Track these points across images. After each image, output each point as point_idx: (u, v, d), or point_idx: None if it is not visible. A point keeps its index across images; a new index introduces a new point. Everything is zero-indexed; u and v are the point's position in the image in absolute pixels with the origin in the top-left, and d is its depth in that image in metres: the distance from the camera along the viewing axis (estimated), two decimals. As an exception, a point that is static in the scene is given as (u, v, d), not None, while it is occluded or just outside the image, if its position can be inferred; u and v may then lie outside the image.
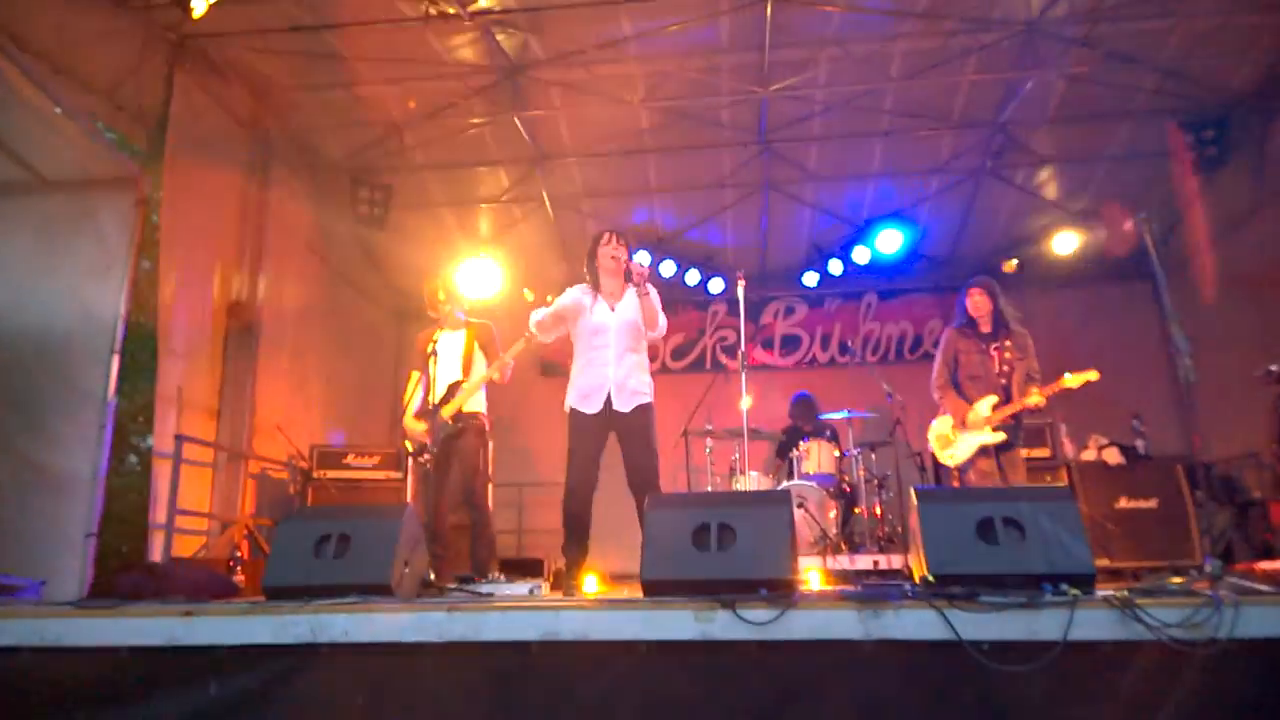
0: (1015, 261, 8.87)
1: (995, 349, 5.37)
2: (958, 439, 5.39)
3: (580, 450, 4.60)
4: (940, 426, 5.57)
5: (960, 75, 7.23)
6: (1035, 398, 5.18)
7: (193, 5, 5.03)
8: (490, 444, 7.88)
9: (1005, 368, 5.30)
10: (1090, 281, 9.22)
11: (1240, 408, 6.70)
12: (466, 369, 5.29)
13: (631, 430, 4.58)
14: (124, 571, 4.57)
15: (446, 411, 5.18)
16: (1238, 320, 7.13)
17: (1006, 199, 8.83)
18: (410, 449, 5.32)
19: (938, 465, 7.47)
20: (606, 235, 4.72)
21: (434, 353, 5.19)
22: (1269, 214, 7.31)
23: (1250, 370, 6.28)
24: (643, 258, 4.77)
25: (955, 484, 5.45)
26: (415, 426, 5.23)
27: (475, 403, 5.29)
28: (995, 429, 5.29)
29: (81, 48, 5.60)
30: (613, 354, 4.57)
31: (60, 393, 5.29)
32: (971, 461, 5.35)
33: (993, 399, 5.30)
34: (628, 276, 4.61)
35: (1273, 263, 7.13)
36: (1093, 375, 5.19)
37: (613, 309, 4.67)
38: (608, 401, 4.55)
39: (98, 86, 5.79)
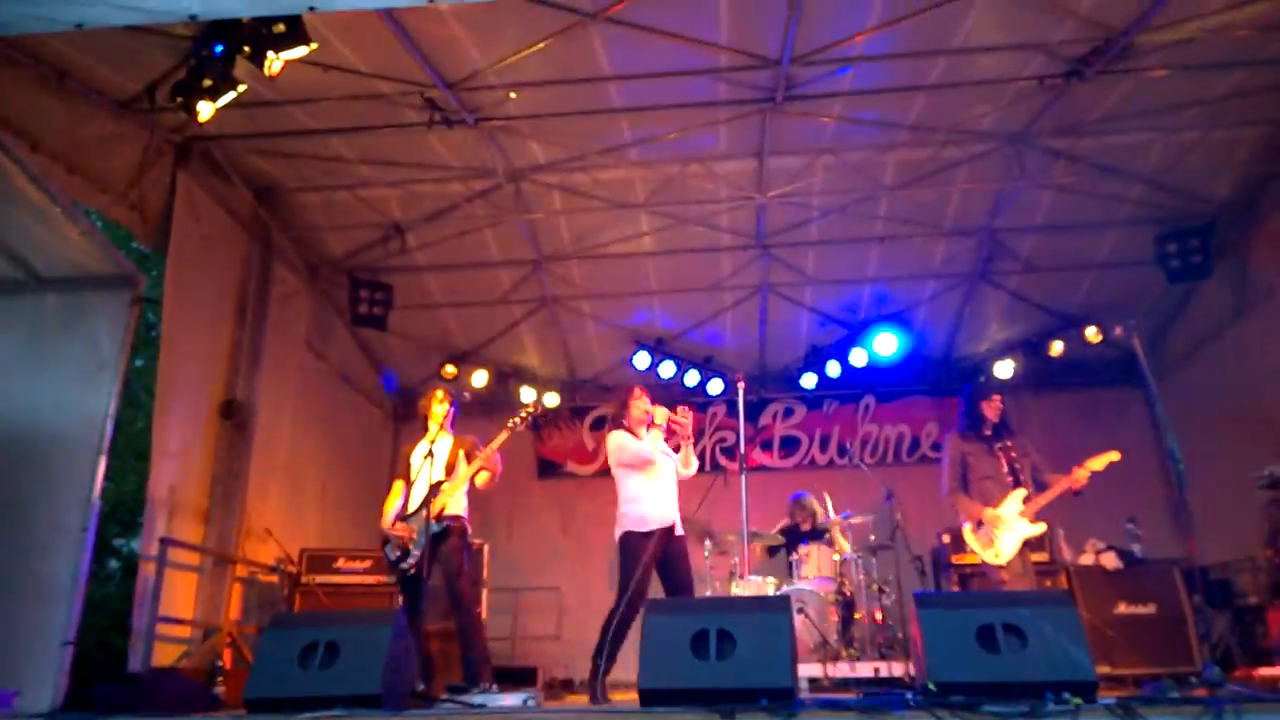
0: (1010, 364, 8.94)
1: (1000, 450, 5.46)
2: (1000, 537, 5.28)
3: (645, 571, 5.03)
4: (969, 530, 5.50)
5: (951, 184, 7.43)
6: (1083, 473, 5.20)
7: (198, 109, 5.16)
8: (485, 548, 7.78)
9: (1015, 465, 5.39)
10: (1082, 386, 9.30)
11: (1233, 512, 6.65)
12: (450, 474, 5.29)
13: (680, 553, 5.21)
14: (100, 682, 4.42)
15: (433, 509, 5.13)
16: (1228, 425, 7.16)
17: (999, 304, 8.96)
18: (390, 555, 5.28)
19: (937, 569, 7.36)
20: (637, 391, 5.55)
21: (413, 462, 5.39)
22: (1252, 320, 7.42)
23: (1241, 474, 6.27)
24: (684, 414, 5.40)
25: (1003, 583, 5.33)
26: (396, 530, 5.26)
27: (456, 506, 5.31)
28: (1034, 520, 5.29)
29: (90, 150, 5.74)
30: (670, 486, 5.36)
31: (44, 494, 5.18)
32: (1016, 558, 5.30)
33: (1021, 492, 5.31)
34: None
35: (1258, 368, 7.19)
36: (1114, 456, 5.18)
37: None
38: (670, 527, 5.17)
39: (106, 187, 5.91)
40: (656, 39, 5.68)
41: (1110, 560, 6.88)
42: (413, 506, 5.32)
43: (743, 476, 5.93)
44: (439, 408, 5.50)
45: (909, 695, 3.03)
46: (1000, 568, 5.25)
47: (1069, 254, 8.34)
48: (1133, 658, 6.32)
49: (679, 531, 5.23)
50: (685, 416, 5.35)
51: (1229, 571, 7.02)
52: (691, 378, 9.51)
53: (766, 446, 10.12)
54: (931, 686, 3.00)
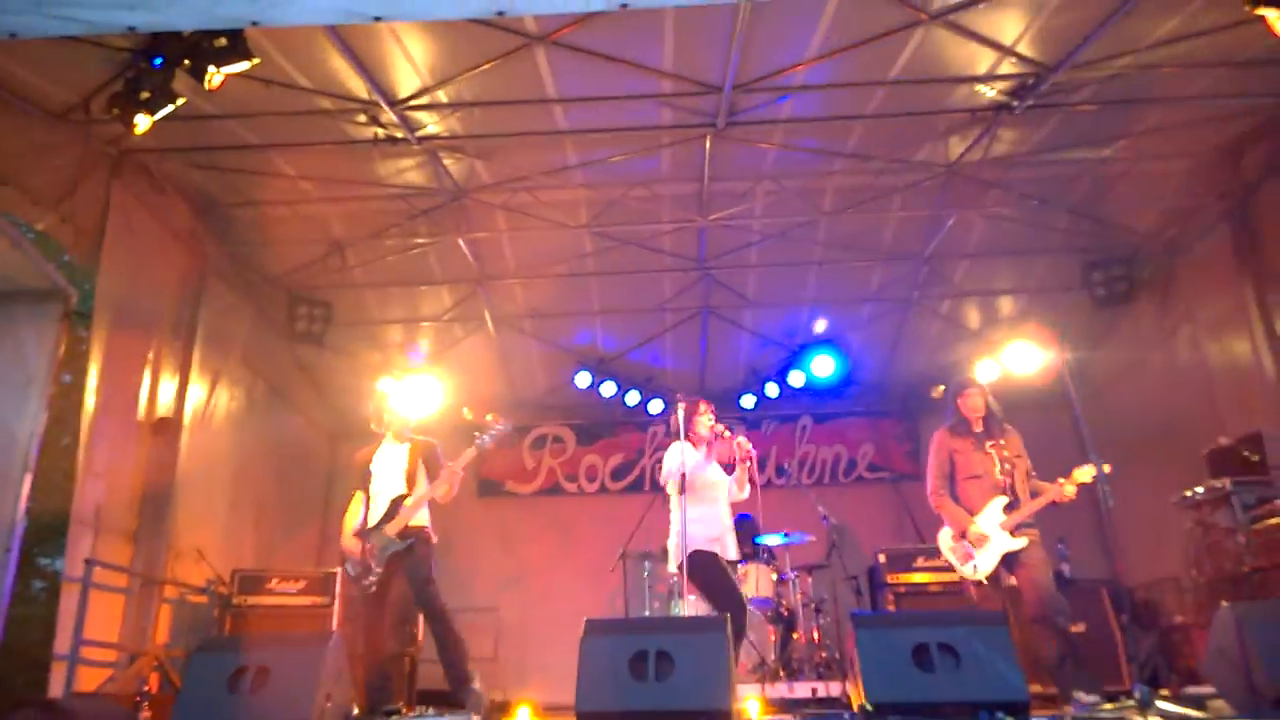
0: (942, 388, 9.15)
1: (993, 446, 5.10)
2: (979, 553, 4.92)
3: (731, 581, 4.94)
4: (946, 539, 5.15)
5: (887, 211, 7.64)
6: (1071, 487, 4.84)
7: (135, 122, 5.04)
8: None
9: (1007, 465, 5.01)
10: (1012, 410, 9.52)
11: (1159, 533, 6.89)
12: (410, 484, 5.12)
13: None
14: (17, 709, 4.25)
15: (391, 529, 4.99)
16: (1151, 447, 7.40)
17: (933, 328, 9.22)
18: (351, 572, 5.08)
19: (874, 588, 7.48)
20: (703, 405, 5.31)
21: (371, 471, 5.17)
22: (1173, 346, 7.75)
23: (1166, 496, 6.50)
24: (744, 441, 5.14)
25: (980, 598, 5.01)
26: (355, 545, 5.05)
27: (420, 517, 5.12)
28: (1016, 533, 4.86)
29: (23, 161, 5.58)
30: (724, 505, 5.17)
31: (-35, 514, 5.00)
32: (997, 573, 4.92)
33: (1002, 500, 4.94)
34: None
35: (1179, 392, 7.50)
36: (1105, 467, 4.86)
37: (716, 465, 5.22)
38: (724, 546, 5.02)
39: (39, 198, 5.73)
40: (602, 63, 5.75)
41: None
42: (373, 520, 5.08)
43: (683, 496, 5.96)
44: (393, 411, 5.35)
45: (846, 716, 3.07)
46: (975, 584, 4.95)
47: (1001, 279, 8.64)
48: (1063, 677, 6.46)
49: (730, 557, 5.04)
50: (745, 442, 5.11)
51: (1155, 592, 7.23)
52: (632, 397, 9.57)
53: (707, 466, 10.18)
54: (868, 707, 3.04)
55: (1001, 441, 5.10)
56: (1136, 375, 8.29)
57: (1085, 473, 4.86)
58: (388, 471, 5.18)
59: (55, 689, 5.43)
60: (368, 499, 5.16)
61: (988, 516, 4.92)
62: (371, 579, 4.98)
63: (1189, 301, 7.57)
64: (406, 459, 5.21)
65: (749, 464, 5.09)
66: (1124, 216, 7.69)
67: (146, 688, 5.85)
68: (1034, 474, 5.08)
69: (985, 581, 4.90)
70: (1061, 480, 4.88)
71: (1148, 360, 8.14)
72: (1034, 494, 4.94)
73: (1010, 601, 4.94)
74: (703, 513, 5.00)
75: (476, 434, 5.18)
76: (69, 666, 5.53)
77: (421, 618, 5.08)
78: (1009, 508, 4.91)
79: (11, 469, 5.04)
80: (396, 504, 5.05)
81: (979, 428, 5.17)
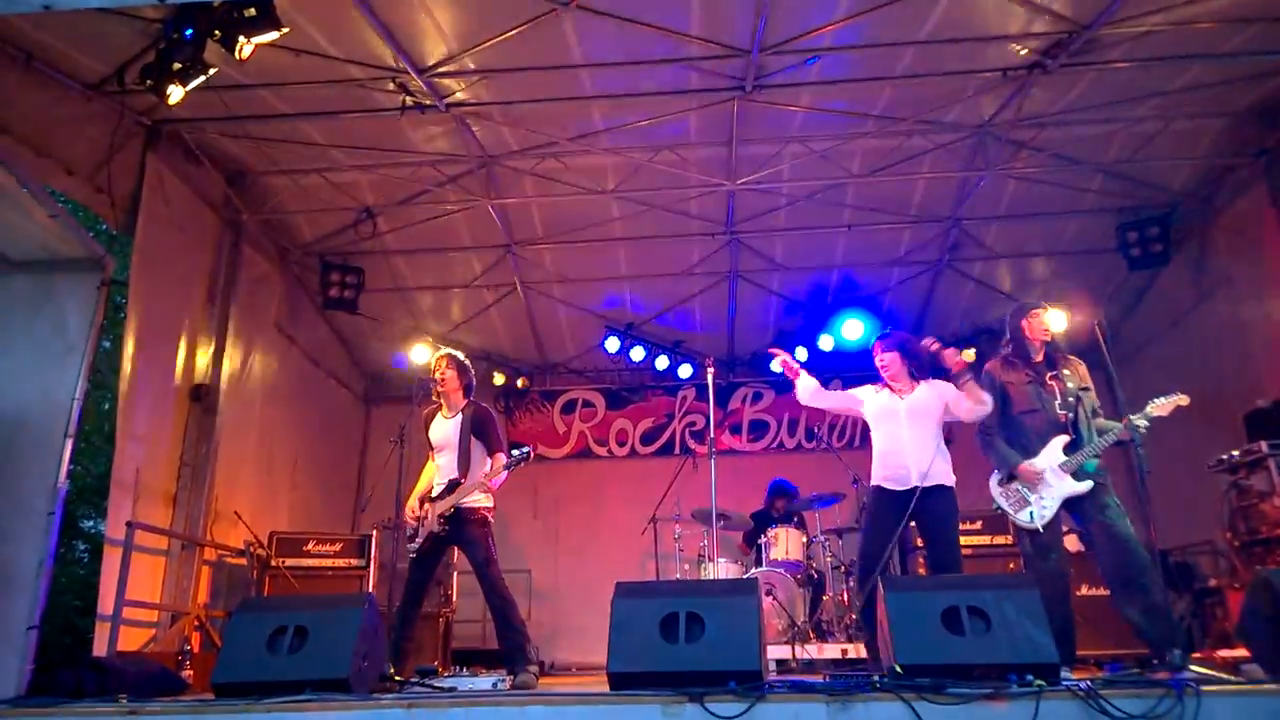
0: (973, 351, 9.08)
1: (1053, 379, 4.55)
2: (1034, 496, 4.42)
3: (875, 530, 4.69)
4: (995, 483, 4.65)
5: (917, 173, 7.53)
6: (1143, 420, 4.33)
7: (168, 92, 5.09)
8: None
9: (1070, 399, 4.46)
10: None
11: (1193, 496, 6.82)
12: (464, 462, 5.06)
13: (935, 514, 4.65)
14: (66, 667, 4.40)
15: (440, 507, 4.99)
16: (1187, 411, 7.27)
17: (963, 290, 9.11)
18: (407, 534, 5.08)
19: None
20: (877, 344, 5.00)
21: (430, 440, 5.20)
22: (1209, 307, 7.62)
23: (1201, 459, 6.43)
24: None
25: (1036, 549, 4.48)
26: (411, 508, 5.06)
27: (477, 498, 5.04)
28: (1079, 476, 4.39)
29: (59, 132, 5.66)
30: (913, 438, 4.68)
31: (10, 478, 5.13)
32: (1057, 519, 4.41)
33: (1062, 438, 4.44)
34: (929, 370, 4.84)
35: (1214, 354, 7.39)
36: (1182, 399, 4.43)
37: (902, 397, 4.84)
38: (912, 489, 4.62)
39: (75, 169, 5.83)
40: (629, 27, 5.69)
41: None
42: (436, 490, 5.10)
43: (712, 460, 6.00)
44: (442, 373, 5.23)
45: (876, 677, 3.11)
46: (1031, 533, 4.40)
47: (1032, 241, 8.50)
48: (1095, 640, 6.43)
49: (925, 484, 4.57)
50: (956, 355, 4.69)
51: (1189, 555, 7.18)
52: (661, 362, 9.59)
53: (735, 430, 10.23)
54: (898, 669, 3.07)
55: (1065, 373, 4.54)
56: (1172, 337, 8.17)
57: (1164, 405, 4.38)
58: (443, 445, 5.13)
59: (99, 648, 5.61)
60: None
61: (1045, 457, 4.41)
62: (417, 543, 5.00)
63: (1226, 261, 7.42)
64: (460, 433, 5.09)
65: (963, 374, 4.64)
66: (1159, 176, 7.54)
67: (189, 646, 6.01)
68: (1100, 411, 4.56)
69: (1043, 530, 4.37)
70: (1131, 416, 4.35)
71: (1183, 322, 8.02)
72: (1101, 432, 4.43)
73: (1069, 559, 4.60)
74: (884, 443, 4.85)
75: (514, 452, 5.06)
76: (113, 627, 5.69)
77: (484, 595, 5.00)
78: (1071, 447, 4.40)
79: (54, 434, 5.17)
80: (452, 486, 5.02)
81: (1039, 358, 4.61)
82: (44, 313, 5.48)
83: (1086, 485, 4.34)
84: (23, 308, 5.52)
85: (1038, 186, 7.66)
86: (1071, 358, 4.67)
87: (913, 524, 4.77)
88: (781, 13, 5.61)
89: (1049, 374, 4.54)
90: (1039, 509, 4.38)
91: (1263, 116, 6.72)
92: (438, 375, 5.23)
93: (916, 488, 4.57)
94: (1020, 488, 4.46)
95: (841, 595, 6.90)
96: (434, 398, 5.30)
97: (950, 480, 4.68)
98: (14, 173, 5.07)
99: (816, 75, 6.35)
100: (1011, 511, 4.49)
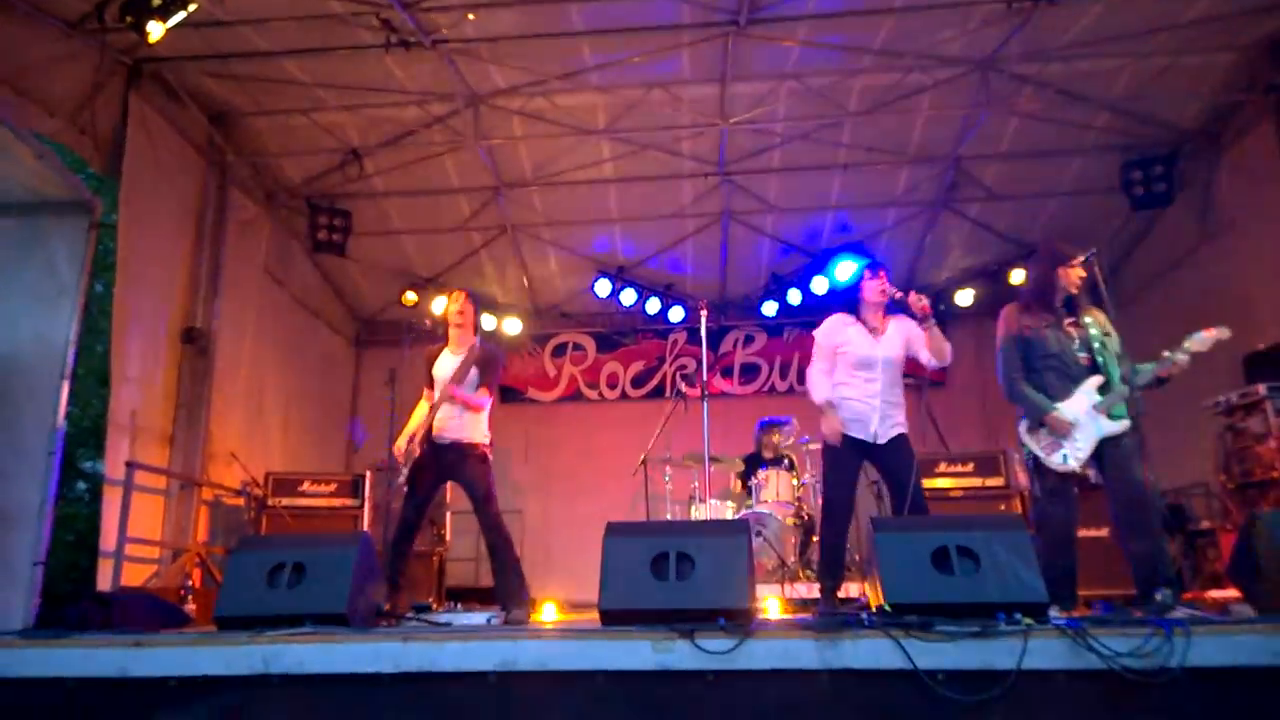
0: (971, 292, 9.07)
1: (1072, 324, 4.42)
2: (1074, 435, 4.27)
3: (838, 481, 4.73)
4: (1024, 429, 4.46)
5: (916, 111, 7.41)
6: (1178, 355, 4.22)
7: (149, 30, 4.97)
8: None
9: (1095, 344, 4.34)
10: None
11: (1188, 438, 6.86)
12: (458, 385, 4.91)
13: (896, 463, 4.66)
14: (72, 601, 4.48)
15: (432, 425, 4.86)
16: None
17: (961, 232, 9.03)
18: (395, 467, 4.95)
19: (896, 497, 7.55)
20: (868, 272, 4.83)
21: (434, 376, 5.00)
22: (1212, 248, 7.55)
23: (1196, 401, 6.46)
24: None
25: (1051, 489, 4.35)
26: (400, 447, 4.91)
27: (475, 433, 4.93)
28: (1110, 414, 4.25)
29: (39, 72, 5.55)
30: (879, 386, 4.69)
31: (7, 419, 5.17)
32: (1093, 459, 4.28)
33: (1095, 379, 4.30)
34: (897, 309, 4.77)
35: (1215, 297, 7.35)
36: (1225, 332, 4.29)
37: (877, 341, 4.76)
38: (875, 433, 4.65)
39: (57, 110, 5.73)
40: (620, -41, 5.55)
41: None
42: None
43: (704, 402, 6.02)
44: (456, 308, 5.09)
45: (864, 615, 3.15)
46: (1071, 474, 4.29)
47: (1033, 181, 8.38)
48: (1085, 579, 6.51)
49: (885, 438, 4.63)
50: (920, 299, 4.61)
51: (1182, 496, 7.24)
52: (653, 305, 9.55)
53: (727, 373, 10.24)
54: (887, 607, 3.11)
55: (1086, 320, 4.42)
56: (1173, 279, 8.10)
57: (1202, 340, 4.25)
58: (441, 379, 4.97)
59: (103, 583, 5.70)
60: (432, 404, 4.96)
61: (1077, 400, 4.29)
62: (398, 480, 4.88)
63: (1231, 202, 7.33)
64: (464, 368, 4.94)
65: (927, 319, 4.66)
66: (1165, 112, 7.39)
67: (190, 582, 6.11)
68: (1127, 355, 4.40)
69: (1081, 471, 4.27)
70: (1167, 353, 4.24)
71: (1185, 262, 7.94)
72: (1135, 372, 4.29)
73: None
74: (851, 390, 4.77)
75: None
76: (116, 563, 5.80)
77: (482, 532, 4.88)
78: (1104, 388, 4.28)
79: (50, 376, 5.19)
80: (433, 412, 4.91)
81: (1058, 305, 4.46)
82: (34, 256, 5.44)
83: (1123, 424, 4.23)
84: (13, 251, 5.49)
85: (1040, 124, 7.52)
86: (1092, 306, 4.53)
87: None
88: (777, -56, 5.47)
89: (1068, 319, 4.44)
90: (1073, 451, 4.28)
91: (1273, 52, 6.57)
92: (456, 309, 5.07)
93: (877, 435, 4.64)
94: (1048, 434, 4.34)
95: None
96: (444, 334, 5.14)
97: (906, 427, 4.74)
98: (-2, 113, 4.99)
99: (813, 9, 6.21)
100: (1044, 455, 4.34)
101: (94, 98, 5.93)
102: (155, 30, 4.98)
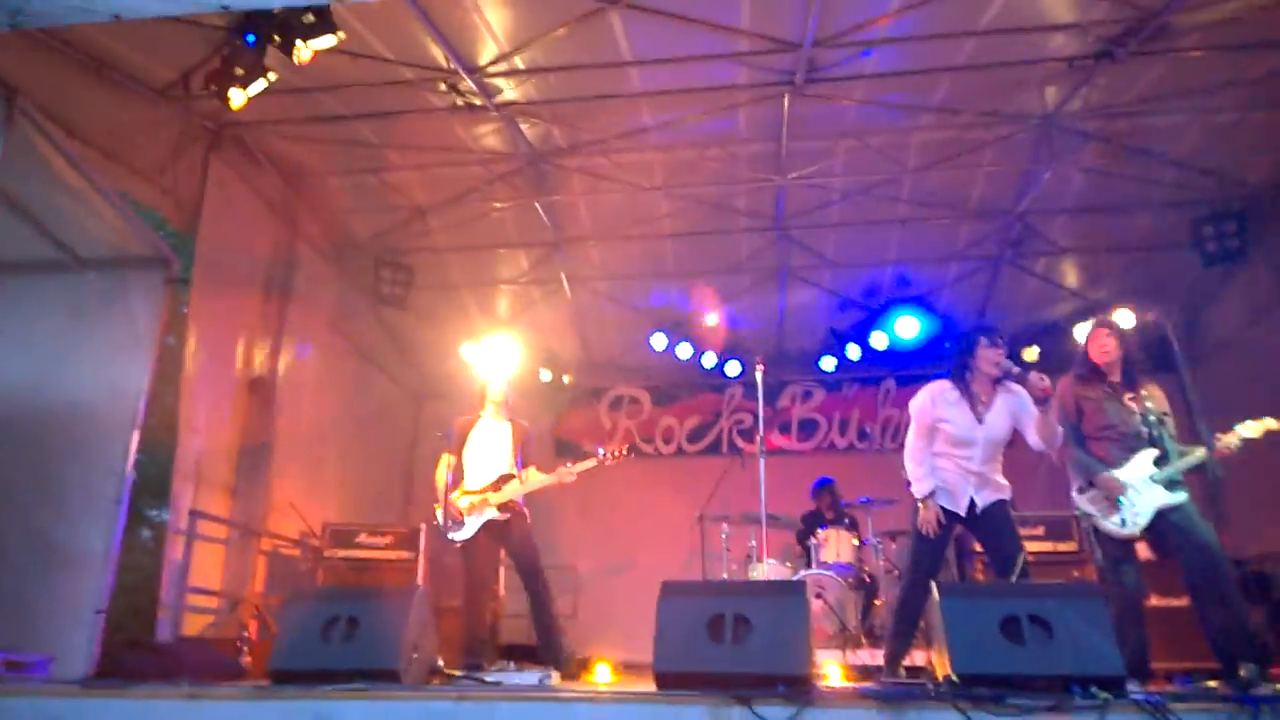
0: (1036, 349, 8.84)
1: (1132, 399, 4.35)
2: (1131, 500, 4.22)
3: (929, 550, 4.56)
4: (1077, 492, 4.47)
5: (976, 166, 7.35)
6: (1231, 439, 4.18)
7: (231, 97, 5.20)
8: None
9: (1151, 418, 4.27)
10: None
11: (1271, 503, 6.54)
12: (516, 462, 5.48)
13: (990, 529, 4.50)
14: (130, 650, 4.54)
15: (495, 499, 5.32)
16: (1264, 413, 6.96)
17: (1026, 287, 8.87)
18: (444, 525, 5.37)
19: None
20: (984, 339, 4.51)
21: (470, 440, 5.47)
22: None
23: (1277, 466, 6.15)
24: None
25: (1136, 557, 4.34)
26: (456, 503, 5.36)
27: (520, 497, 5.47)
28: (1171, 487, 4.19)
29: (127, 136, 5.82)
30: (976, 463, 4.48)
31: (80, 467, 5.34)
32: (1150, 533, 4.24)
33: (1151, 452, 4.24)
34: (1006, 378, 4.47)
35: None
36: (1273, 424, 4.28)
37: (980, 422, 4.49)
38: (971, 502, 4.49)
39: (142, 171, 6.00)
40: (677, 24, 5.65)
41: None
42: (472, 484, 5.40)
43: (761, 459, 5.93)
44: (497, 390, 5.62)
45: (930, 685, 3.02)
46: (1131, 538, 4.22)
47: (1099, 237, 8.23)
48: (1165, 652, 6.17)
49: (981, 507, 4.45)
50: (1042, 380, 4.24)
51: (1266, 564, 6.88)
52: (709, 359, 9.51)
53: (784, 429, 10.12)
54: (954, 678, 2.98)
55: (1143, 393, 4.34)
56: (1249, 337, 7.83)
57: (1255, 427, 4.22)
58: (491, 446, 5.46)
59: (162, 633, 5.78)
60: (460, 465, 5.45)
61: (1132, 469, 4.24)
62: (460, 535, 5.29)
63: (1306, 258, 7.11)
64: (511, 439, 5.53)
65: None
66: (1235, 168, 7.22)
67: (246, 633, 6.15)
68: (1179, 439, 4.36)
69: (1142, 536, 4.22)
70: (1220, 435, 4.22)
71: (1262, 321, 7.68)
72: (1182, 454, 4.26)
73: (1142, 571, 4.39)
74: (946, 462, 4.59)
75: (597, 452, 5.60)
76: (174, 612, 5.87)
77: (526, 584, 5.36)
78: (1160, 460, 4.21)
79: (121, 425, 5.37)
80: (505, 479, 5.37)
81: (1114, 376, 4.40)
82: (114, 309, 5.69)
83: (1182, 496, 4.16)
84: (94, 304, 5.75)
85: (1106, 179, 7.40)
86: (1151, 383, 4.47)
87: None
88: (834, 5, 5.52)
89: (1127, 393, 4.36)
90: (1131, 515, 4.21)
91: (1346, 107, 6.39)
92: (502, 393, 5.61)
93: (975, 509, 4.45)
94: (1104, 494, 4.29)
95: (894, 599, 6.76)
96: (480, 411, 5.63)
97: (1008, 493, 4.52)
98: (86, 175, 5.25)
99: (871, 68, 6.23)
100: (1100, 516, 4.29)
101: (177, 160, 6.21)
102: (237, 98, 5.20)
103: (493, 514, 5.29)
